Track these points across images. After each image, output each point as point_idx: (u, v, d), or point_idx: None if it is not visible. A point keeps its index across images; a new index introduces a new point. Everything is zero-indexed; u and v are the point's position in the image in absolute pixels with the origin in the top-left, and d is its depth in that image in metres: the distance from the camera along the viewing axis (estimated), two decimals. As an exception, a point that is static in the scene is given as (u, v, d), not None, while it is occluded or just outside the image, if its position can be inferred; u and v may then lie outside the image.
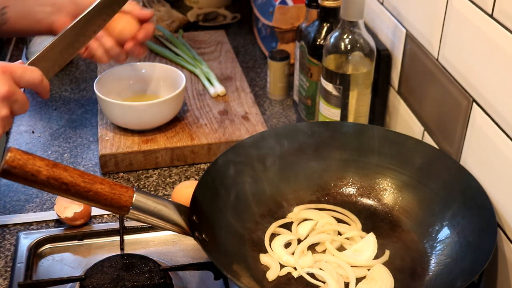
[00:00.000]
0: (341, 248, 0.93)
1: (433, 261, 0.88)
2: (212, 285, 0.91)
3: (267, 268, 0.89)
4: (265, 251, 0.92)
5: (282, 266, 0.90)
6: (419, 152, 0.97)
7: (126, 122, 1.18)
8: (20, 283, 0.87)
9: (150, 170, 1.17)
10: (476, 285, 0.83)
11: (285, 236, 0.95)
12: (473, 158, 0.91)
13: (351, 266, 0.89)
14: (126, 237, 0.98)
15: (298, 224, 0.97)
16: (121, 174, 1.15)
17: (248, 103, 1.29)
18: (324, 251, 0.92)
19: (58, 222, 1.03)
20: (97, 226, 1.02)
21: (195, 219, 0.84)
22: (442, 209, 0.92)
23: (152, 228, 0.99)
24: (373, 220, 0.97)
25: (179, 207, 0.83)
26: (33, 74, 0.89)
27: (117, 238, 0.98)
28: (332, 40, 1.06)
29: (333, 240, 0.93)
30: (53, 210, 1.04)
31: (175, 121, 1.22)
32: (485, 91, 0.86)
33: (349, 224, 0.97)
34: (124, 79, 1.26)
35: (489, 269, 0.88)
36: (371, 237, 0.93)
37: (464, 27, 0.89)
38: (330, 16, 1.13)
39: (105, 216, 1.05)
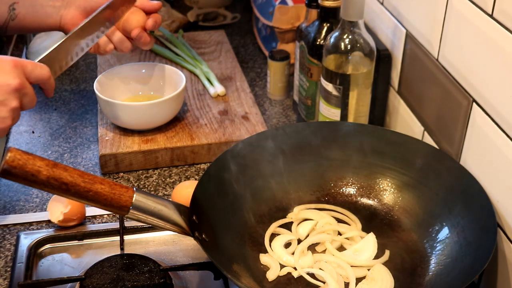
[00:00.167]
0: (341, 248, 0.93)
1: (433, 261, 0.88)
2: (212, 285, 0.91)
3: (267, 268, 0.89)
4: (265, 251, 0.92)
5: (282, 266, 0.90)
6: (419, 152, 0.97)
7: (126, 122, 1.18)
8: (20, 283, 0.87)
9: (150, 170, 1.17)
10: (476, 285, 0.83)
11: (285, 236, 0.95)
12: (473, 158, 0.91)
13: (351, 266, 0.89)
14: (126, 237, 0.98)
15: (298, 224, 0.97)
16: (121, 174, 1.15)
17: (248, 103, 1.29)
18: (324, 251, 0.92)
19: (58, 222, 1.04)
20: (97, 226, 1.02)
21: (195, 219, 0.84)
22: (442, 209, 0.91)
23: (152, 228, 0.99)
24: (373, 220, 0.97)
25: (179, 207, 0.83)
26: (42, 70, 0.92)
27: (117, 238, 0.98)
28: (332, 40, 1.06)
29: (333, 240, 0.93)
30: (53, 210, 1.04)
31: (175, 121, 1.22)
32: (485, 91, 0.86)
33: (349, 224, 0.97)
34: (124, 79, 1.26)
35: (489, 269, 0.88)
36: (371, 237, 0.93)
37: (464, 27, 0.89)
38: (330, 16, 1.13)
39: (105, 216, 1.05)
